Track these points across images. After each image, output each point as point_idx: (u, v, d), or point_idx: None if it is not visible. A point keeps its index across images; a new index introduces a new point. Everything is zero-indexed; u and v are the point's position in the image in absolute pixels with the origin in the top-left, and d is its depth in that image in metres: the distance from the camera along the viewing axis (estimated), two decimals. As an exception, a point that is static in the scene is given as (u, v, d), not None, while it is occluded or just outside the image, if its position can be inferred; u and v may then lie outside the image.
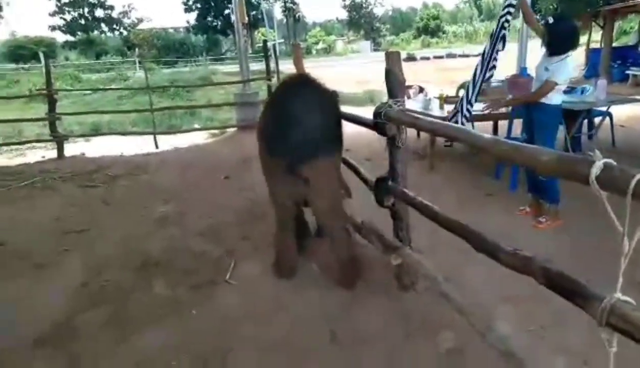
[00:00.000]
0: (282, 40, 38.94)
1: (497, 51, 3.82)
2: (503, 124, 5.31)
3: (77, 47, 40.56)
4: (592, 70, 10.46)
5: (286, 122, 2.64)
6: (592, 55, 11.90)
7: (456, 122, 4.04)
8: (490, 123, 5.84)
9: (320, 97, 2.82)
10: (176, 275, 3.09)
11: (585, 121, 5.28)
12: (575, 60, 3.67)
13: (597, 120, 5.58)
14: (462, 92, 7.12)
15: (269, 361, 2.21)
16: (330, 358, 2.21)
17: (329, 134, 2.74)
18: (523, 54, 8.04)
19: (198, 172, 6.00)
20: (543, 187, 3.59)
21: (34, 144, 8.23)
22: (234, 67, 14.42)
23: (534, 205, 3.80)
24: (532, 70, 4.15)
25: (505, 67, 7.55)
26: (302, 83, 2.90)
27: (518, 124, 4.63)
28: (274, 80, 8.37)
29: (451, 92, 6.89)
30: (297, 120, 2.62)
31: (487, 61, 3.90)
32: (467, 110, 4.06)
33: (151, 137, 8.10)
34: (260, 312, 2.63)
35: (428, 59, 27.48)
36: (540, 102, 3.43)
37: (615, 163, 1.17)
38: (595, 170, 1.16)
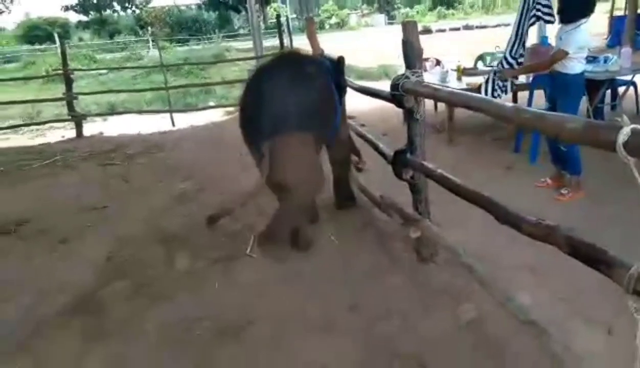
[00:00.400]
0: (295, 16, 38.41)
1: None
2: (523, 95, 5.19)
3: (90, 27, 40.59)
4: (615, 38, 10.08)
5: (251, 102, 2.77)
6: (616, 22, 11.45)
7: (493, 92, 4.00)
8: (510, 95, 5.71)
9: (291, 74, 2.81)
10: (196, 250, 3.14)
11: (608, 91, 5.14)
12: (597, 28, 3.56)
13: (620, 90, 5.41)
14: (480, 64, 7.00)
15: (289, 332, 2.24)
16: (350, 329, 2.24)
17: (296, 111, 2.67)
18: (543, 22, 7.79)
19: (214, 149, 6.02)
20: (564, 157, 3.53)
21: (53, 124, 8.34)
22: (247, 44, 14.28)
23: (555, 177, 3.74)
24: (552, 40, 4.04)
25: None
26: (275, 64, 2.98)
27: (539, 95, 4.53)
28: (288, 55, 8.29)
29: (469, 64, 6.75)
30: (260, 99, 2.71)
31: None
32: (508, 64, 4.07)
33: (167, 115, 8.13)
34: (279, 284, 2.66)
35: (444, 31, 26.85)
36: (562, 71, 3.35)
37: (642, 128, 1.14)
38: (623, 136, 1.14)
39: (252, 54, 9.34)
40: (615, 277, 1.19)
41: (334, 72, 3.17)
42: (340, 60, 3.30)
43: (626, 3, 10.93)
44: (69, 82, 7.56)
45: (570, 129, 1.38)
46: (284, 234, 2.88)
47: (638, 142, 1.11)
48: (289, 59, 3.21)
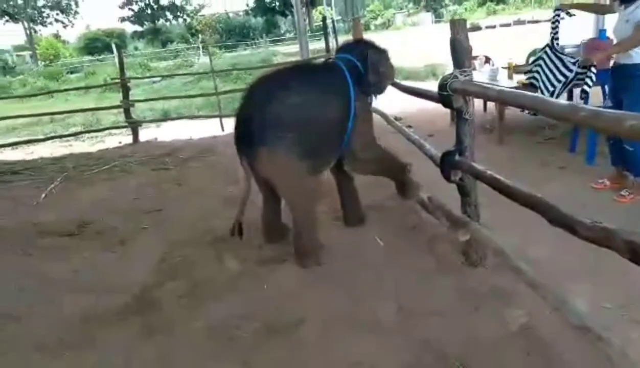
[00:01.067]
0: (340, 17, 38.52)
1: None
2: (577, 93, 4.96)
3: (144, 37, 42.50)
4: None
5: (238, 113, 2.86)
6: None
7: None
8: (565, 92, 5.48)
9: (273, 85, 2.82)
10: (245, 251, 3.21)
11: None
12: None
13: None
14: (531, 60, 6.75)
15: (337, 332, 2.26)
16: (397, 330, 2.23)
17: (275, 124, 2.68)
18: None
19: (262, 153, 6.14)
20: (628, 157, 3.34)
21: (111, 130, 8.78)
22: (294, 47, 14.52)
23: (614, 177, 3.56)
24: (611, 33, 3.84)
25: (579, 31, 7.03)
26: (268, 75, 3.01)
27: (595, 93, 4.32)
28: (334, 57, 8.33)
29: (521, 61, 6.53)
30: (244, 111, 2.82)
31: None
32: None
33: (217, 120, 8.37)
34: (327, 285, 2.68)
35: (494, 27, 26.09)
36: (627, 63, 3.18)
37: None
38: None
39: (298, 58, 9.45)
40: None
41: (360, 72, 2.98)
42: (366, 55, 3.00)
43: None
44: (125, 90, 7.95)
45: (630, 126, 1.32)
46: (311, 243, 2.95)
47: None
48: (285, 70, 3.16)
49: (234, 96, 11.38)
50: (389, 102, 4.48)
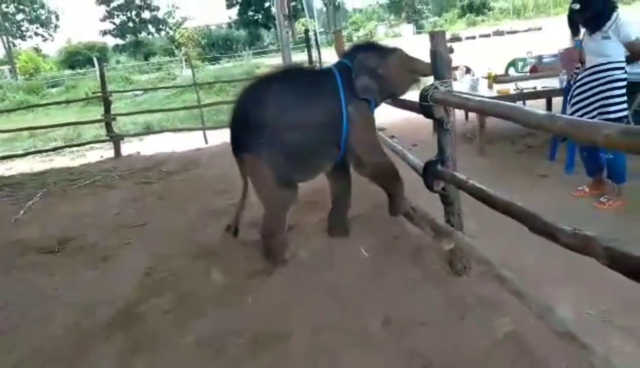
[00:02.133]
0: (323, 30, 38.81)
1: None
2: (557, 101, 5.08)
3: (126, 50, 42.24)
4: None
5: (232, 114, 2.95)
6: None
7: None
8: (543, 101, 5.61)
9: (262, 91, 2.89)
10: (231, 264, 3.19)
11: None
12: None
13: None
14: (511, 70, 6.90)
15: (324, 345, 2.25)
16: (384, 342, 2.23)
17: (254, 130, 2.79)
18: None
19: (247, 165, 6.13)
20: (610, 164, 3.42)
21: (93, 145, 8.68)
22: (277, 59, 14.57)
23: (594, 184, 3.63)
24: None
25: (558, 41, 7.20)
26: (262, 77, 3.08)
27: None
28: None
29: (500, 71, 6.66)
30: (231, 116, 2.95)
31: None
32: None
33: (200, 133, 8.34)
34: (313, 298, 2.67)
35: (474, 38, 26.60)
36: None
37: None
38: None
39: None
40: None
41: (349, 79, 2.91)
42: (357, 59, 2.94)
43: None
44: (107, 104, 7.88)
45: (606, 135, 1.35)
46: (275, 243, 3.09)
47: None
48: (273, 74, 3.08)
49: (217, 108, 11.40)
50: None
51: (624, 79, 3.29)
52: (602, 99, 3.29)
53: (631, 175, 3.43)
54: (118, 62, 36.12)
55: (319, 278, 2.87)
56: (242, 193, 3.13)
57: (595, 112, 3.32)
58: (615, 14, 3.17)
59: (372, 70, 2.94)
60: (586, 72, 3.42)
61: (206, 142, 8.15)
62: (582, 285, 2.39)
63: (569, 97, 3.61)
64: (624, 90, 3.30)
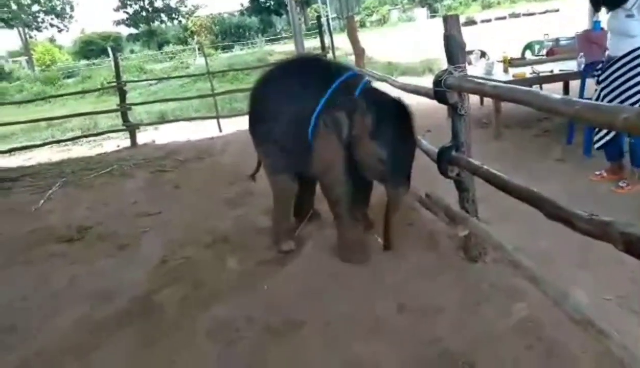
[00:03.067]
0: (335, 15, 38.44)
1: None
2: (575, 85, 4.97)
3: (140, 39, 42.44)
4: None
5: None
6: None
7: None
8: (560, 84, 5.49)
9: (265, 80, 3.04)
10: (245, 252, 3.22)
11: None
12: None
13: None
14: (528, 53, 6.75)
15: (339, 332, 2.27)
16: (399, 328, 2.24)
17: (252, 118, 3.08)
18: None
19: (261, 153, 6.14)
20: (631, 148, 3.35)
21: (110, 134, 8.78)
22: (290, 46, 14.47)
23: (611, 169, 3.56)
24: (605, 24, 3.84)
25: (574, 23, 7.02)
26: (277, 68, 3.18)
27: (591, 85, 4.32)
28: (329, 55, 8.33)
29: (516, 54, 6.54)
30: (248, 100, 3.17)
31: None
32: None
33: (214, 121, 8.37)
34: (327, 285, 2.69)
35: (489, 21, 26.11)
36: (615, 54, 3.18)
37: None
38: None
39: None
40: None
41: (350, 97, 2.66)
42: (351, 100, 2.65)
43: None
44: (122, 94, 7.95)
45: (625, 119, 1.32)
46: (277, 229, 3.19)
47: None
48: (283, 65, 3.31)
49: (231, 96, 11.43)
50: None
51: None
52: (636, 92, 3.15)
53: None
54: (132, 51, 36.32)
55: (334, 266, 2.88)
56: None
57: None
58: None
59: (350, 118, 2.61)
60: (614, 67, 3.25)
61: (220, 130, 8.19)
62: (599, 271, 2.36)
63: (598, 94, 3.43)
64: None
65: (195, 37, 36.42)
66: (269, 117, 2.90)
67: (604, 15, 3.83)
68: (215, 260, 3.21)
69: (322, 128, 2.67)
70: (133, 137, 7.93)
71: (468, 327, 2.17)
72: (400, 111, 2.64)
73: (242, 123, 8.50)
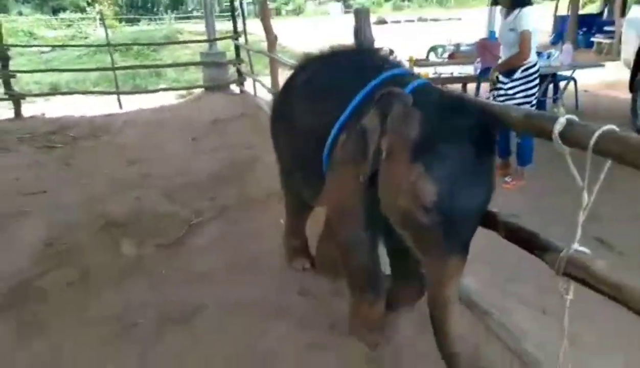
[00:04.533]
0: (250, 0, 37.71)
1: None
2: (472, 87, 5.36)
3: (30, 1, 38.21)
4: (558, 37, 10.63)
5: None
6: (560, 22, 12.05)
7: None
8: (459, 85, 5.89)
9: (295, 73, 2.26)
10: (141, 236, 3.05)
11: (551, 86, 5.38)
12: (542, 26, 3.70)
13: (562, 85, 5.69)
14: (432, 55, 7.15)
15: (238, 318, 2.21)
16: (301, 311, 2.23)
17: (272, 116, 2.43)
18: (492, 17, 8.06)
19: (164, 134, 5.86)
20: (518, 149, 3.68)
21: (-12, 103, 7.81)
22: (200, 26, 13.87)
23: (500, 166, 3.89)
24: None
25: (475, 31, 7.55)
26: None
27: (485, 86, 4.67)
28: (241, 39, 8.15)
29: (421, 55, 6.89)
30: None
31: None
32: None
33: (114, 97, 7.81)
34: (228, 270, 2.63)
35: (399, 22, 27.22)
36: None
37: (577, 119, 1.20)
38: (559, 126, 1.18)
39: (204, 37, 9.11)
40: (548, 260, 1.25)
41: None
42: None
43: (569, 4, 11.48)
44: (4, 59, 7.10)
45: (513, 118, 1.43)
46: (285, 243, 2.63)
47: (572, 132, 1.17)
48: (326, 55, 2.16)
49: (134, 72, 10.75)
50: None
51: (536, 72, 3.49)
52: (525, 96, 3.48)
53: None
54: (20, 14, 32.60)
55: (233, 252, 2.81)
56: None
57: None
58: (525, 8, 3.33)
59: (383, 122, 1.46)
60: (509, 83, 3.52)
61: (120, 107, 7.66)
62: (486, 258, 2.55)
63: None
64: (536, 81, 3.53)
65: (96, 5, 33.65)
66: (281, 126, 2.25)
67: (497, 27, 4.15)
68: (107, 245, 2.99)
69: (340, 150, 1.69)
70: (17, 108, 7.14)
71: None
72: (477, 125, 1.39)
73: (144, 101, 8.08)
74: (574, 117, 1.20)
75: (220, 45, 9.04)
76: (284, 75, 5.81)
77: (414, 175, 1.34)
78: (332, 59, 2.10)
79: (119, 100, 7.74)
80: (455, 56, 6.34)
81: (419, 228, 1.38)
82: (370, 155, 1.46)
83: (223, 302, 2.33)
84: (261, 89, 6.41)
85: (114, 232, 3.15)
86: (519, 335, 1.62)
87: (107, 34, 8.81)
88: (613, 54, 8.74)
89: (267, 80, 6.29)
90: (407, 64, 5.68)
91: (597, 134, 1.09)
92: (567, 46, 5.24)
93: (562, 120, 1.20)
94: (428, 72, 5.38)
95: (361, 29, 2.56)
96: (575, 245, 1.17)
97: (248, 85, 7.98)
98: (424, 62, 6.07)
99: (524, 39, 3.30)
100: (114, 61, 8.30)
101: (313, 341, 2.02)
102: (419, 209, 1.34)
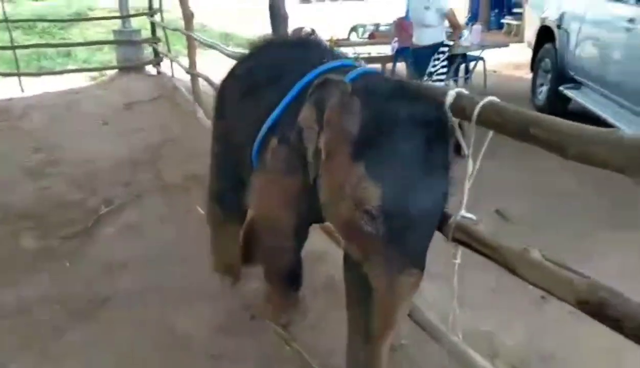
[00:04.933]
0: (170, -24, 35.93)
1: None
2: (390, 66, 5.48)
3: None
4: (473, 18, 11.11)
5: None
6: (475, 3, 12.53)
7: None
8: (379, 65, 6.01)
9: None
10: (47, 227, 2.86)
11: (463, 66, 5.62)
12: (456, 7, 3.87)
13: (472, 65, 5.97)
14: (353, 35, 7.23)
15: (148, 305, 2.14)
16: (211, 296, 2.18)
17: None
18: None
19: (73, 118, 5.48)
20: None
21: None
22: (113, 3, 12.93)
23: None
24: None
25: (395, 11, 7.71)
26: None
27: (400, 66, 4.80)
28: (157, 17, 7.75)
29: (343, 35, 6.94)
30: None
31: None
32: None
33: (14, 79, 7.16)
34: (137, 260, 2.52)
35: (323, 1, 27.19)
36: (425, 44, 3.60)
37: (466, 92, 1.26)
38: (449, 98, 1.24)
39: (117, 13, 8.56)
40: (442, 228, 1.30)
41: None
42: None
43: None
44: None
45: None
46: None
47: (460, 104, 1.22)
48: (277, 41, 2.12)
49: (38, 52, 9.89)
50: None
51: (446, 48, 3.66)
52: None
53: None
54: None
55: (151, 239, 2.71)
56: None
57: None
58: None
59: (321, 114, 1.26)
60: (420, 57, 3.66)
61: (22, 90, 7.03)
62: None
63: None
64: (445, 61, 3.69)
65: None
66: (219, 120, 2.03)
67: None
68: (7, 237, 2.77)
69: (272, 157, 1.50)
70: None
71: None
72: (428, 114, 1.20)
73: (50, 83, 7.46)
74: (462, 90, 1.26)
75: (135, 22, 8.54)
76: (202, 56, 5.64)
77: (355, 176, 1.13)
78: (266, 52, 1.87)
79: (19, 82, 7.10)
80: (375, 36, 6.46)
81: (364, 239, 1.16)
82: (311, 159, 1.25)
83: (131, 291, 2.24)
84: (179, 69, 6.14)
85: (14, 224, 2.92)
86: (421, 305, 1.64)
87: (3, 9, 7.99)
88: (520, 35, 9.19)
89: (185, 61, 6.04)
90: (327, 44, 5.72)
91: (479, 105, 1.15)
92: (477, 27, 5.49)
93: (452, 93, 1.25)
94: (348, 52, 5.42)
95: (275, 5, 2.53)
96: (462, 212, 1.24)
97: (165, 66, 7.62)
98: (344, 42, 6.11)
99: (453, 15, 3.51)
100: (14, 40, 7.57)
101: (227, 325, 2.00)
102: (362, 216, 1.13)
